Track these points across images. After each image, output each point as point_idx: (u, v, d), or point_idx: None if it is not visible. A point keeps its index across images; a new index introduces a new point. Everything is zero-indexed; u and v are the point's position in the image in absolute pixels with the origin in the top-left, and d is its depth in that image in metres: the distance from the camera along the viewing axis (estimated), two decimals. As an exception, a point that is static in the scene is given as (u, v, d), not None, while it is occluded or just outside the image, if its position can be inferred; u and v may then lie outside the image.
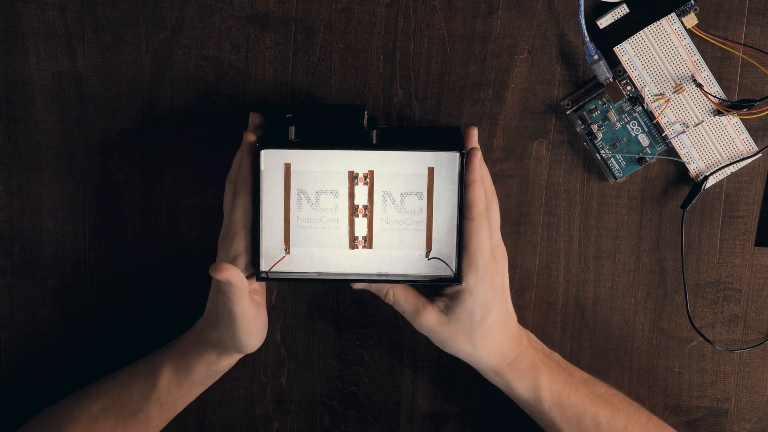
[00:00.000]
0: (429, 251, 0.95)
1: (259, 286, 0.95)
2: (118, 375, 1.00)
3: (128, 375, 0.99)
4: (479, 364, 0.97)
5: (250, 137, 0.92)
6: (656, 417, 1.00)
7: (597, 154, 1.00)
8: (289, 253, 0.95)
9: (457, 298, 0.94)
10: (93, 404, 0.98)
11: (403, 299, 0.95)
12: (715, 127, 0.98)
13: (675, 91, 0.98)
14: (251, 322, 0.93)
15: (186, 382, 0.98)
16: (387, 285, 0.95)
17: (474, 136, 0.95)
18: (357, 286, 0.95)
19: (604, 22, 0.97)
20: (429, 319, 0.95)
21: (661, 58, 0.97)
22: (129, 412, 0.98)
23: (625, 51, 0.97)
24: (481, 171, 0.92)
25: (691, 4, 0.96)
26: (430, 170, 0.94)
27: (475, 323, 0.94)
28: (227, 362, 0.98)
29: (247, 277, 0.93)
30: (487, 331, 0.94)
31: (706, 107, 0.98)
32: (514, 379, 0.97)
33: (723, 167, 0.99)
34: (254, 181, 0.92)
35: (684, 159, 0.99)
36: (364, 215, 0.94)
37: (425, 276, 0.95)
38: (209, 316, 0.96)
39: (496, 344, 0.95)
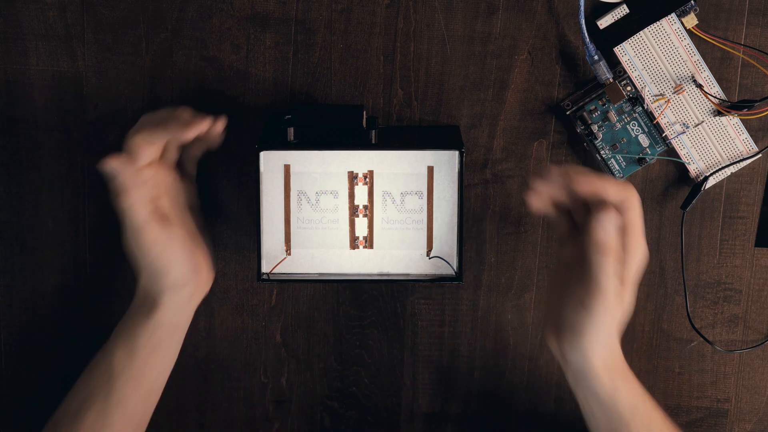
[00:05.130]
0: (430, 250, 0.95)
1: (178, 221, 0.93)
2: (84, 370, 0.98)
3: (90, 366, 0.98)
4: (598, 350, 0.90)
5: (206, 124, 0.92)
6: None
7: (597, 155, 1.00)
8: (290, 254, 0.95)
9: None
10: (71, 402, 0.97)
11: None
12: (715, 127, 0.98)
13: (675, 92, 0.98)
14: (156, 233, 0.91)
15: (136, 348, 0.94)
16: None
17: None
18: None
19: (604, 23, 0.97)
20: None
21: (661, 59, 0.97)
22: (102, 397, 0.95)
23: (625, 51, 0.97)
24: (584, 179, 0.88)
25: (691, 5, 0.96)
26: (430, 169, 0.94)
27: None
28: (161, 314, 0.94)
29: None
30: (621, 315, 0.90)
31: (706, 108, 0.98)
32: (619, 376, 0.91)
33: (723, 168, 0.99)
34: (254, 182, 0.92)
35: (684, 159, 0.99)
36: (365, 215, 0.94)
37: (426, 275, 0.95)
38: (137, 278, 0.95)
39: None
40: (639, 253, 0.88)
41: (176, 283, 0.93)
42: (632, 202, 0.87)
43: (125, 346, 0.95)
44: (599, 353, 0.89)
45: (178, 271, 0.93)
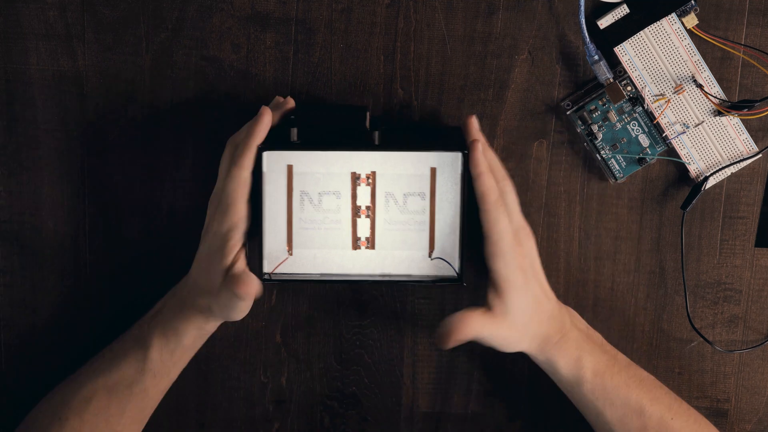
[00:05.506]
0: (432, 251, 0.95)
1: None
2: (106, 353, 0.99)
3: (117, 351, 0.99)
4: (525, 348, 0.96)
5: (267, 113, 0.92)
6: (695, 409, 0.99)
7: (597, 155, 1.00)
8: (291, 254, 0.95)
9: (495, 292, 0.93)
10: (83, 386, 0.97)
11: (461, 332, 0.94)
12: (715, 127, 0.98)
13: (675, 92, 0.98)
14: (249, 306, 0.94)
15: (177, 348, 0.97)
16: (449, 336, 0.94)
17: (473, 126, 0.93)
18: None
19: (604, 23, 0.97)
20: (478, 325, 0.94)
21: (662, 59, 0.97)
22: (124, 387, 0.97)
23: (625, 51, 0.97)
24: (487, 161, 0.91)
25: (692, 5, 0.96)
26: (433, 170, 0.94)
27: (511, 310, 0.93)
28: (214, 325, 0.98)
29: (243, 245, 0.94)
30: (524, 315, 0.94)
31: (707, 108, 0.98)
32: (557, 358, 0.96)
33: (723, 168, 0.99)
34: (256, 182, 0.92)
35: (684, 159, 0.99)
36: (367, 216, 0.94)
37: (428, 276, 0.95)
38: (198, 283, 0.95)
39: (535, 326, 0.95)
40: (505, 258, 0.92)
41: (239, 318, 0.96)
42: (485, 205, 0.91)
43: (167, 345, 0.97)
44: (524, 344, 0.96)
45: (245, 314, 0.96)
